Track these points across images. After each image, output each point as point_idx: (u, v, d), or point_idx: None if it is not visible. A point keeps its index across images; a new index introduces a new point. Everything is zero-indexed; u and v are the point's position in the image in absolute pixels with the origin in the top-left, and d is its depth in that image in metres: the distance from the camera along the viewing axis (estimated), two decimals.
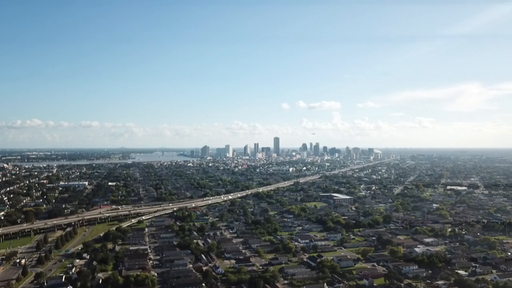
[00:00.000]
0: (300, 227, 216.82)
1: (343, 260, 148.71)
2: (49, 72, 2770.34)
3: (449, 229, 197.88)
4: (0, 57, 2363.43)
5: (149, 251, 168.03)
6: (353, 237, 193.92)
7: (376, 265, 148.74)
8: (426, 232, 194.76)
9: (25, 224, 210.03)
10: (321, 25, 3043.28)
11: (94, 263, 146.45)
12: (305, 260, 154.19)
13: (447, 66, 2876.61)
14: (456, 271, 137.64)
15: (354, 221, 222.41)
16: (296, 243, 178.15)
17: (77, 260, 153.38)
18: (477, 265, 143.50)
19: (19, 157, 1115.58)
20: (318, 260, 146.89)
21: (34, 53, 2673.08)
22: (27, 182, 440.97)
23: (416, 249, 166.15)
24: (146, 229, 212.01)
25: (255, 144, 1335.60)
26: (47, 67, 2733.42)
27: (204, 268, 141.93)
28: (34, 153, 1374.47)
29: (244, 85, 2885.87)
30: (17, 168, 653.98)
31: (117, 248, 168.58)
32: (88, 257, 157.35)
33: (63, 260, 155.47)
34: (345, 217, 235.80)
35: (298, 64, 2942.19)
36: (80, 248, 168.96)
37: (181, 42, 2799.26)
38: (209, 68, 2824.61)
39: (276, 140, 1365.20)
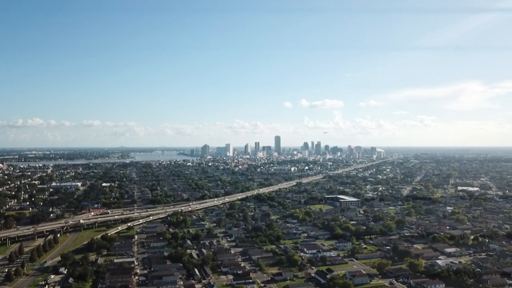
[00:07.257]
0: (305, 234, 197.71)
1: (357, 276, 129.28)
2: (51, 71, 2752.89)
3: (472, 237, 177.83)
4: (2, 56, 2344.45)
5: (136, 264, 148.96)
6: (365, 246, 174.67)
7: (395, 281, 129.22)
8: (445, 240, 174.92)
9: (2, 231, 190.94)
10: (324, 26, 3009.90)
11: (71, 279, 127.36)
12: (312, 275, 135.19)
13: (449, 64, 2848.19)
14: None
15: (364, 227, 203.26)
16: (301, 253, 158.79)
17: (52, 276, 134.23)
18: None
19: (17, 156, 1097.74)
20: (328, 276, 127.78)
21: (36, 52, 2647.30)
22: (18, 182, 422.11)
23: (438, 261, 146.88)
24: (136, 237, 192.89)
25: (255, 143, 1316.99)
26: (48, 66, 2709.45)
27: (197, 286, 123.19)
28: (33, 152, 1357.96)
29: (246, 84, 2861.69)
30: (11, 168, 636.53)
31: (100, 260, 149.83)
32: (66, 271, 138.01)
33: (36, 276, 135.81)
34: (354, 222, 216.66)
35: (300, 63, 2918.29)
36: (58, 261, 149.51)
37: (183, 41, 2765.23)
38: (211, 67, 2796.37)
39: (277, 139, 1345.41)
